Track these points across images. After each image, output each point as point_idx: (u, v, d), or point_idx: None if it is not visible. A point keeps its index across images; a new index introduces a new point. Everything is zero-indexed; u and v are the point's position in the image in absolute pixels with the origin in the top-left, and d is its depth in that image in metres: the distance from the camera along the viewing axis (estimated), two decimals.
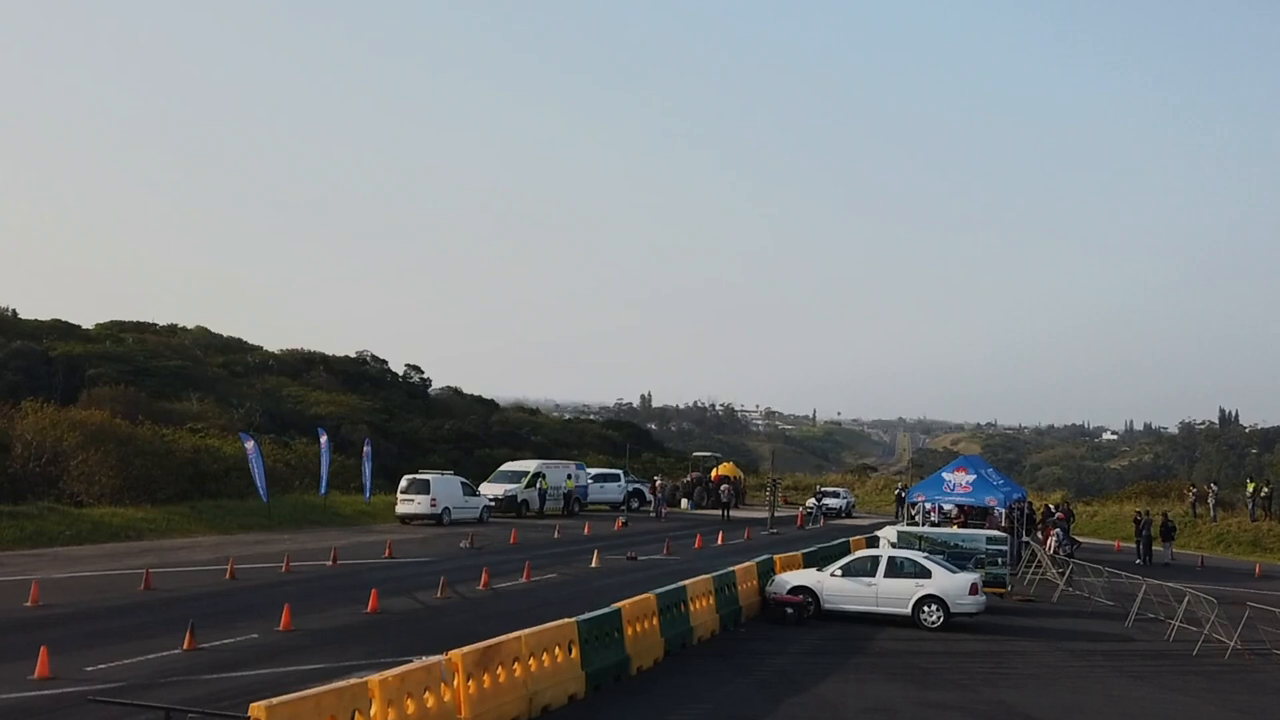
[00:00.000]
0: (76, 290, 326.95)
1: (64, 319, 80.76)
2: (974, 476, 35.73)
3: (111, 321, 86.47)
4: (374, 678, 12.53)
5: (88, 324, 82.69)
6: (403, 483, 46.40)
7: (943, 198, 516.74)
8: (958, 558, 28.06)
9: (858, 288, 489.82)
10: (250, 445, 42.53)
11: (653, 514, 54.91)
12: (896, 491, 61.43)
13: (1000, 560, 29.62)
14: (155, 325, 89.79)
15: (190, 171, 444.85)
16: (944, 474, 36.99)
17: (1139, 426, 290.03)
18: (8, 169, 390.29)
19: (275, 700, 11.00)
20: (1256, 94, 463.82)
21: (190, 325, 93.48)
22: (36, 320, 79.44)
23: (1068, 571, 32.18)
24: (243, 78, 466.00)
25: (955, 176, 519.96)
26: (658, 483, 58.45)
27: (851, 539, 34.33)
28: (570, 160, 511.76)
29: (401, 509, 45.49)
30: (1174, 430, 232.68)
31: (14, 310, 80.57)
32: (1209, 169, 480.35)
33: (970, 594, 24.77)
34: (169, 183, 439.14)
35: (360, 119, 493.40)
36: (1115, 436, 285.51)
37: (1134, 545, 44.02)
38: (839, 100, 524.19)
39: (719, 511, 55.90)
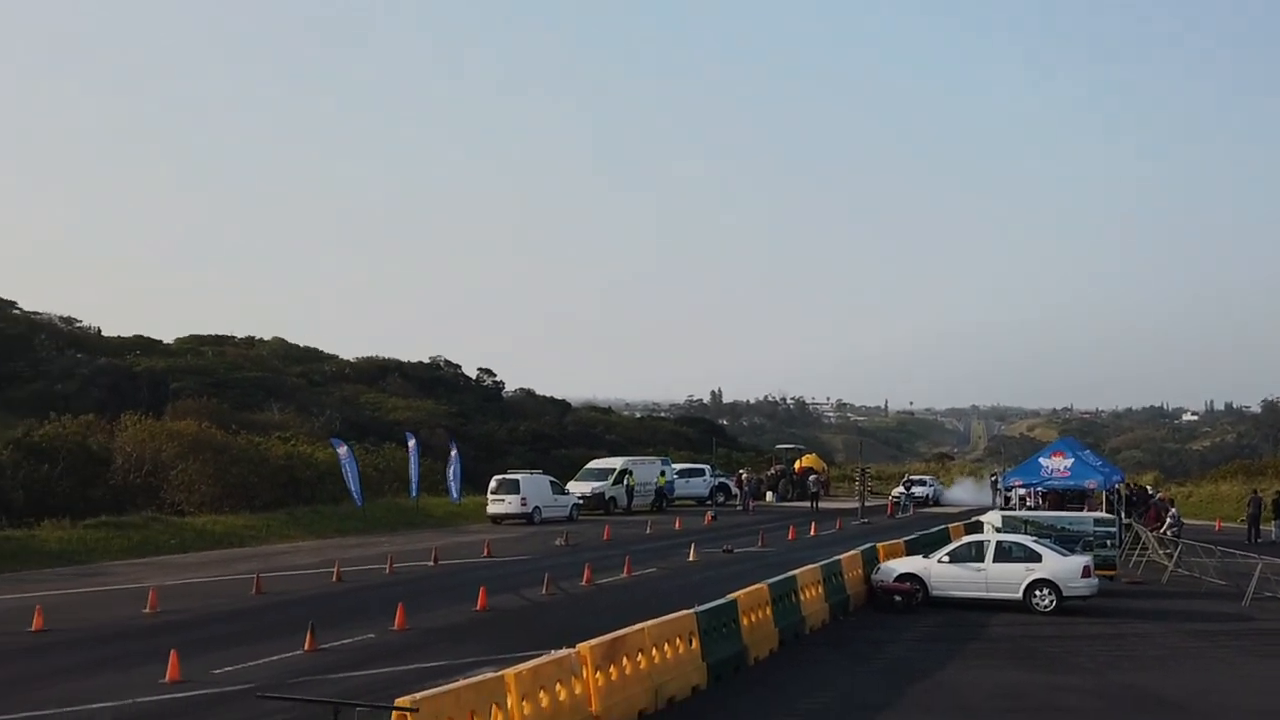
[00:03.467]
0: (156, 307, 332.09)
1: (145, 335, 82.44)
2: (1072, 460, 35.02)
3: (191, 335, 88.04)
4: (509, 672, 12.52)
5: (168, 339, 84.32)
6: (492, 483, 46.66)
7: (998, 175, 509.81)
8: (1065, 541, 27.52)
9: (927, 274, 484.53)
10: (343, 450, 43.01)
11: (740, 507, 54.73)
12: (990, 479, 60.77)
13: (1109, 542, 29.04)
14: (234, 338, 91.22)
15: (263, 191, 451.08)
16: (1040, 459, 36.31)
17: (1220, 406, 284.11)
18: (87, 195, 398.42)
19: (420, 694, 11.04)
20: None
21: (267, 337, 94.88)
22: (120, 337, 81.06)
23: (1177, 552, 31.54)
24: (311, 103, 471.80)
25: (1014, 152, 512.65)
26: (744, 476, 58.20)
27: (950, 526, 33.96)
28: (619, 160, 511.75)
29: (492, 509, 45.73)
30: (1256, 409, 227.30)
31: (98, 328, 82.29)
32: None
33: (1083, 577, 24.35)
34: (243, 202, 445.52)
35: (426, 138, 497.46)
36: (1196, 417, 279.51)
37: (1236, 524, 43.07)
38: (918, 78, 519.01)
39: (805, 503, 55.58)
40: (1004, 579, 24.44)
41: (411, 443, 47.29)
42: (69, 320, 79.82)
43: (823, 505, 54.80)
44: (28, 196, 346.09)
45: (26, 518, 35.18)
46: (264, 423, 57.64)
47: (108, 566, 31.31)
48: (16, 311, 75.02)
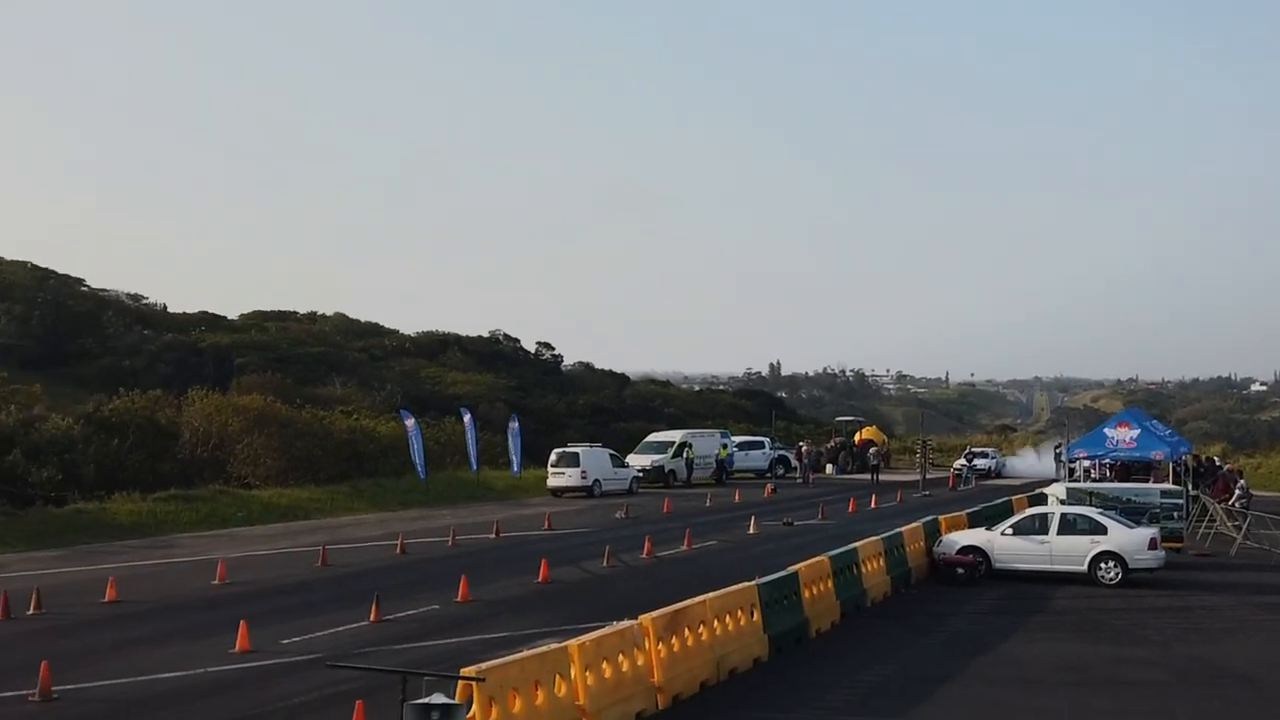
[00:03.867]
0: (220, 283, 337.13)
1: (210, 311, 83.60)
2: (1138, 431, 34.46)
3: (254, 311, 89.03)
4: (573, 643, 12.62)
5: (232, 315, 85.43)
6: (552, 456, 46.86)
7: (1061, 145, 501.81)
8: (1131, 513, 27.20)
9: (984, 244, 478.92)
10: (410, 423, 43.55)
11: (800, 480, 54.58)
12: (1055, 450, 60.03)
13: (1176, 514, 28.66)
14: (296, 314, 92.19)
15: (320, 170, 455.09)
16: (1105, 430, 35.75)
17: None
18: (152, 171, 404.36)
19: (485, 665, 11.19)
20: None
21: (329, 312, 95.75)
22: (185, 313, 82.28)
23: (1245, 524, 31.04)
24: (366, 84, 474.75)
25: (1067, 119, 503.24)
26: (803, 449, 57.98)
27: (1014, 498, 33.68)
28: (680, 135, 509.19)
29: (553, 482, 45.95)
30: None
31: (164, 305, 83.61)
32: None
33: (1149, 549, 24.06)
34: (302, 182, 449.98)
35: (475, 116, 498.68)
36: (1264, 387, 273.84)
37: None
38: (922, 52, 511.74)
39: (866, 475, 55.32)
40: (1068, 551, 24.21)
41: (467, 417, 47.62)
42: (135, 297, 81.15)
43: (883, 478, 54.49)
44: (97, 178, 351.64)
45: (98, 491, 35.95)
46: (326, 397, 58.30)
47: (177, 539, 31.93)
48: (84, 289, 76.35)
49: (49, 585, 22.38)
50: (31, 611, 20.10)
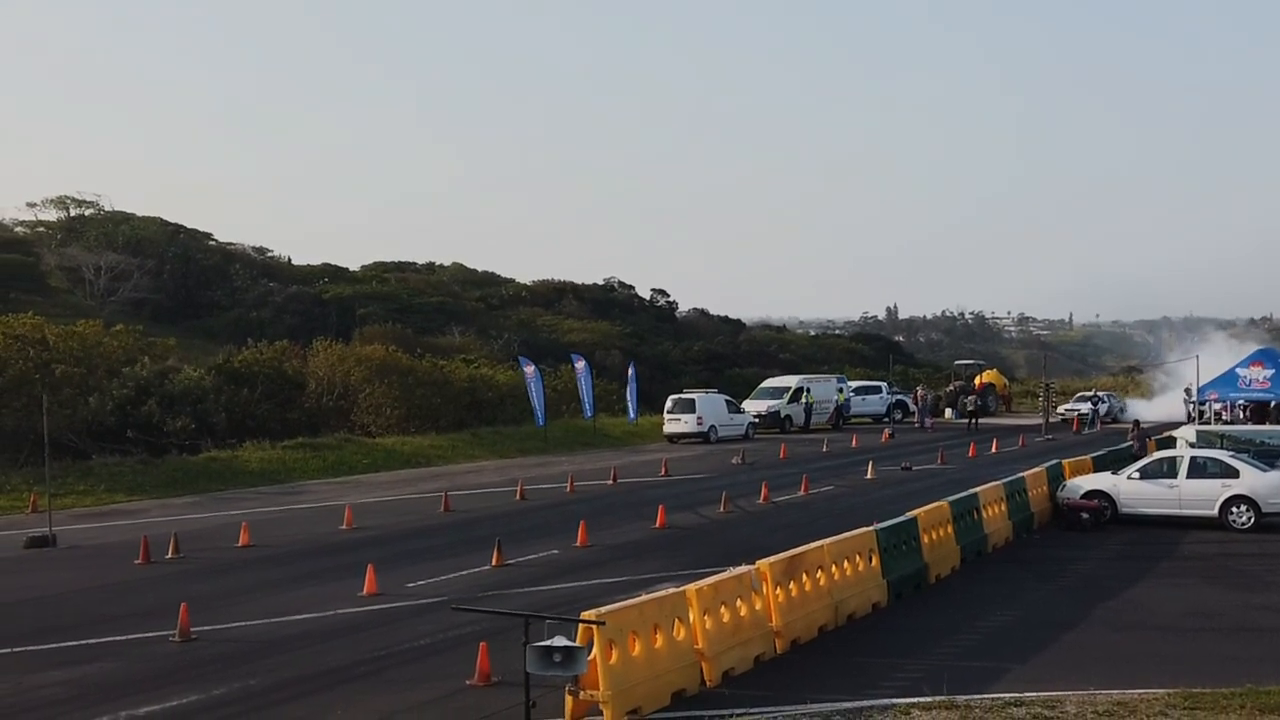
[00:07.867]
0: (341, 235, 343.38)
1: (333, 263, 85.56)
2: (1272, 371, 33.39)
3: (375, 263, 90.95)
4: (691, 588, 12.71)
5: (354, 266, 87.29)
6: (668, 403, 47.08)
7: (1200, 82, 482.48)
8: (1265, 455, 26.34)
9: (1112, 181, 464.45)
10: (530, 370, 43.98)
11: (918, 424, 53.97)
12: (1183, 391, 58.15)
13: None
14: (415, 264, 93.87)
15: (436, 123, 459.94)
16: (1238, 370, 34.71)
17: None
18: (279, 127, 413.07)
19: (605, 609, 11.33)
20: None
21: (447, 262, 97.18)
22: (309, 265, 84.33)
23: None
24: (481, 33, 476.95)
25: (1208, 64, 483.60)
26: (921, 393, 57.25)
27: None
28: (797, 81, 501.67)
29: (669, 428, 46.17)
30: None
31: (289, 257, 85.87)
32: None
33: None
34: (419, 135, 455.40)
35: (589, 65, 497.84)
36: None
37: None
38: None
39: (988, 420, 54.38)
40: (1198, 495, 23.52)
41: (580, 364, 47.92)
42: (261, 250, 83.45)
43: (995, 421, 53.31)
44: (223, 132, 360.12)
45: (229, 440, 37.21)
46: (445, 346, 59.44)
47: (305, 485, 32.96)
48: (213, 243, 78.68)
49: (185, 530, 23.32)
50: (170, 556, 21.02)
